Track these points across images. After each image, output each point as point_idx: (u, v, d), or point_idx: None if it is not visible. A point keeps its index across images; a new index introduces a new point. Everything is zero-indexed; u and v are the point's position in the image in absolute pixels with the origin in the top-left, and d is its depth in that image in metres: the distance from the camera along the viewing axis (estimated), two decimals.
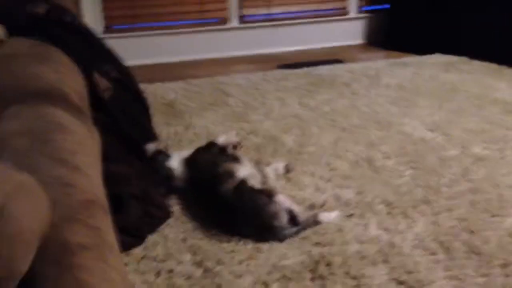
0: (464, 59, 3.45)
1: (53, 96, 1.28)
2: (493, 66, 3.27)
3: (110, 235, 0.84)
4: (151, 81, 2.92)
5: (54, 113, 1.18)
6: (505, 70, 3.19)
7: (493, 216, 1.70)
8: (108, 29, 3.43)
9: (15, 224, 0.54)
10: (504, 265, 1.48)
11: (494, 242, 1.57)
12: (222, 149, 1.95)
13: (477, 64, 3.34)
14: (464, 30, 3.48)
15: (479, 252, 1.53)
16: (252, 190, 1.66)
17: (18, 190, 0.57)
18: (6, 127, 1.06)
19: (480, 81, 3.02)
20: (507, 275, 1.44)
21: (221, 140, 2.02)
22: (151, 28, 3.56)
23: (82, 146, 1.09)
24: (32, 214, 0.58)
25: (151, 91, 2.70)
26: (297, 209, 1.64)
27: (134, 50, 3.36)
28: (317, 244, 1.57)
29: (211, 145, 1.96)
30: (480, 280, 1.43)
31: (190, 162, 1.86)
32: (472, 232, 1.62)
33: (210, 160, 1.82)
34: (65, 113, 1.22)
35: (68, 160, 0.96)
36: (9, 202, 0.54)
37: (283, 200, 1.64)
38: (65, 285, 0.64)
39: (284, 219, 1.59)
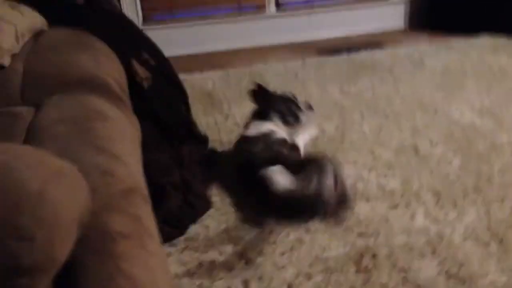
0: None
1: (93, 85, 1.28)
2: None
3: (151, 223, 0.82)
4: (189, 71, 2.91)
5: (95, 101, 1.17)
6: None
7: None
8: (146, 19, 3.44)
9: (53, 209, 0.52)
10: None
11: None
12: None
13: None
14: None
15: None
16: None
17: (57, 176, 0.55)
18: (47, 115, 1.06)
19: None
20: None
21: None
22: (189, 19, 3.54)
23: (122, 134, 1.08)
24: (70, 200, 0.56)
25: (190, 81, 2.69)
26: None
27: (172, 40, 3.37)
28: (362, 234, 1.52)
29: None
30: None
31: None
32: None
33: None
34: (105, 101, 1.21)
35: (107, 148, 0.94)
36: (47, 187, 0.53)
37: None
38: (107, 273, 0.63)
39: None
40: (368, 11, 3.91)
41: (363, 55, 3.21)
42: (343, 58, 3.17)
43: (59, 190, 0.54)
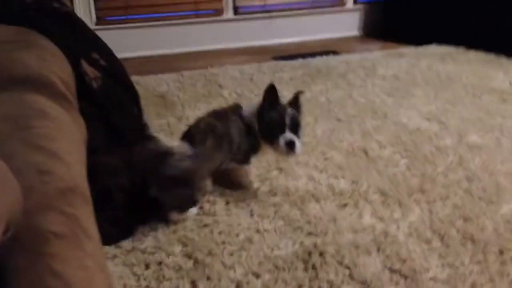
0: (461, 49, 3.43)
1: (38, 84, 1.25)
2: (490, 56, 3.25)
3: (90, 224, 0.81)
4: (143, 73, 2.89)
5: (38, 100, 1.15)
6: (502, 59, 3.17)
7: (489, 203, 1.68)
8: (100, 20, 3.39)
9: None
10: (500, 253, 1.45)
11: (490, 230, 1.55)
12: None
13: (473, 54, 3.32)
14: (461, 20, 3.45)
15: (474, 240, 1.50)
16: None
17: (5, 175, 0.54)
18: None
19: (476, 71, 2.99)
20: (502, 263, 1.42)
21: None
22: (145, 20, 3.51)
23: (64, 133, 1.06)
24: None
25: (144, 83, 2.67)
26: None
27: (127, 42, 3.33)
28: (310, 234, 1.55)
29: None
30: (475, 267, 1.40)
31: None
32: (467, 220, 1.60)
33: None
34: (49, 100, 1.19)
35: (47, 147, 0.93)
36: None
37: None
38: (37, 274, 0.61)
39: None
40: (324, 18, 4.00)
41: (318, 61, 3.28)
42: (299, 63, 3.23)
43: None
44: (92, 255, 0.72)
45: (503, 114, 2.36)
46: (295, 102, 1.72)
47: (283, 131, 1.61)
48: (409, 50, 3.49)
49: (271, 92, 1.65)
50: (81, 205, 0.83)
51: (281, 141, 1.60)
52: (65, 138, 1.03)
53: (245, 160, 1.77)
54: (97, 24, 3.39)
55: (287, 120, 1.62)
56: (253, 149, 1.74)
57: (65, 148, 0.98)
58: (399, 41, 3.72)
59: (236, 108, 1.80)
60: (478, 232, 1.54)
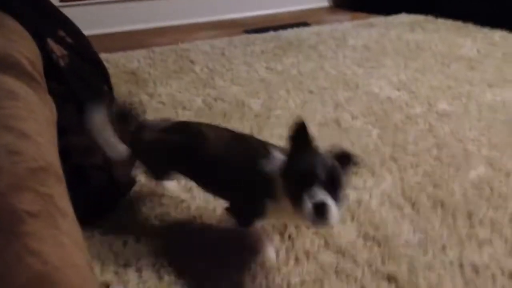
0: (429, 18, 3.46)
1: (4, 64, 1.22)
2: (458, 23, 3.29)
3: (64, 203, 0.80)
4: (112, 50, 2.83)
5: (5, 80, 1.12)
6: (470, 27, 3.22)
7: (458, 169, 1.73)
8: None
9: None
10: (468, 216, 1.51)
11: (459, 195, 1.60)
12: None
13: (442, 22, 3.35)
14: None
15: (444, 205, 1.56)
16: None
17: None
18: None
19: (445, 39, 3.03)
20: (471, 226, 1.47)
21: None
22: None
23: (33, 113, 1.04)
24: None
25: (113, 60, 2.62)
26: None
27: (93, 18, 3.25)
28: None
29: None
30: (445, 231, 1.45)
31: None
32: (437, 186, 1.65)
33: None
34: (16, 80, 1.16)
35: (16, 127, 0.91)
36: None
37: None
38: (14, 252, 0.61)
39: None
40: None
41: (289, 33, 3.27)
42: (269, 36, 3.21)
43: None
44: (68, 233, 0.72)
45: (471, 82, 2.41)
46: (342, 155, 1.19)
47: (311, 187, 1.05)
48: (378, 20, 3.51)
49: (299, 131, 1.14)
50: (54, 184, 0.82)
51: (307, 202, 1.04)
52: (35, 119, 1.02)
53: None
54: (61, 0, 3.29)
55: (320, 171, 1.06)
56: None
57: (35, 128, 0.96)
58: (368, 11, 3.73)
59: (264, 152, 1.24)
60: (447, 198, 1.59)
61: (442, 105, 2.19)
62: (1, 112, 0.95)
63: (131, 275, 1.31)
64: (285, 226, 1.48)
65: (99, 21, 3.27)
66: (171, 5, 3.57)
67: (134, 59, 2.77)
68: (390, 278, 1.29)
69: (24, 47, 1.43)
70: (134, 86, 2.43)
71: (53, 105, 1.26)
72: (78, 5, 3.28)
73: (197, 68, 2.64)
